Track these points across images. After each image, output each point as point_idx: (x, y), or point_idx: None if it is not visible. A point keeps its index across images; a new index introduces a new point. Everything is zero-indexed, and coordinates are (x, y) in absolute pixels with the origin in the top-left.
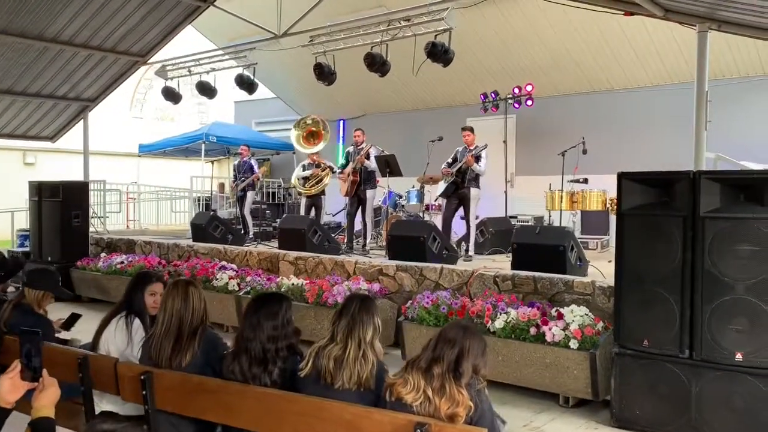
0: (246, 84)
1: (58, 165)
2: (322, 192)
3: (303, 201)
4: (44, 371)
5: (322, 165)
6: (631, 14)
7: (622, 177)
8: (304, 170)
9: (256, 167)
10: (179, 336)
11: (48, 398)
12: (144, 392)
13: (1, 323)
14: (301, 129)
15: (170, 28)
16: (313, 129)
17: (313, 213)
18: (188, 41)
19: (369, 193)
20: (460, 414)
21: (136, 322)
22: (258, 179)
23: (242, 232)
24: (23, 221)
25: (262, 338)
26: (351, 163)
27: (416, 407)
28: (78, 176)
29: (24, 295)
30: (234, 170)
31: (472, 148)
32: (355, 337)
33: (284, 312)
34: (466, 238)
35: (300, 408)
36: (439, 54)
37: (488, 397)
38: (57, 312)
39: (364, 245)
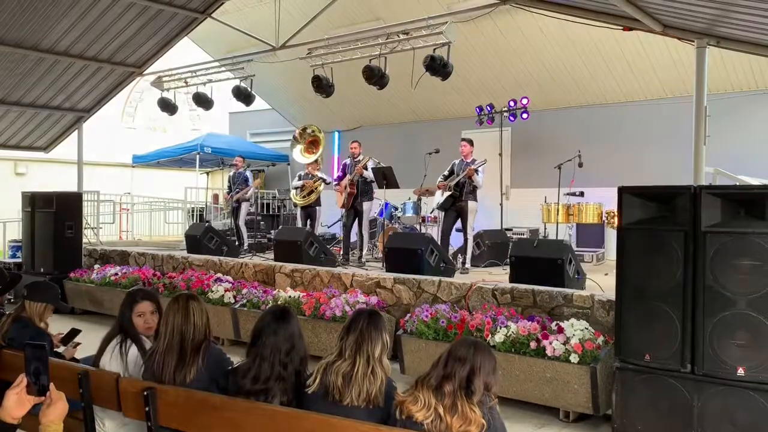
0: (243, 96)
1: (49, 175)
2: (318, 203)
3: (299, 212)
4: (51, 385)
5: (315, 176)
6: (630, 29)
7: (623, 191)
8: (299, 180)
9: (251, 179)
10: (182, 352)
11: (56, 413)
12: (147, 408)
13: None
14: (302, 142)
15: (166, 40)
16: (311, 139)
17: (309, 225)
18: (185, 53)
19: (366, 205)
20: None
21: (133, 349)
22: (252, 190)
23: (237, 243)
24: (15, 232)
25: (280, 351)
26: (348, 175)
27: (427, 425)
28: (69, 186)
29: (24, 309)
30: (229, 181)
31: (469, 161)
32: (363, 353)
33: (298, 326)
34: (462, 250)
35: (308, 425)
36: (437, 68)
37: (500, 414)
38: (52, 324)
39: (360, 257)
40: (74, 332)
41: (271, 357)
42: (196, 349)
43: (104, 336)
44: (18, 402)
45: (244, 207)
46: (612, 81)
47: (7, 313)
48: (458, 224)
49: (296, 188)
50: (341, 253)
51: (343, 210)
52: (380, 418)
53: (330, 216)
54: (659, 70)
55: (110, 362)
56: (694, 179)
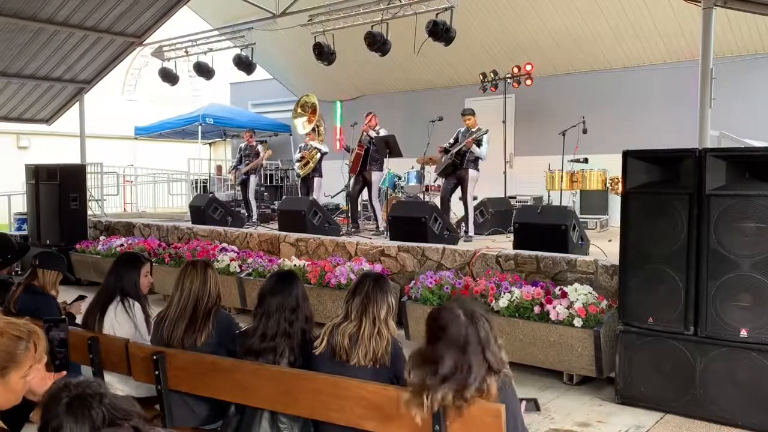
0: (245, 64)
1: (52, 148)
2: (319, 174)
3: (299, 183)
4: None
5: (310, 147)
6: None
7: (628, 155)
8: (299, 152)
9: (262, 151)
10: (194, 317)
11: None
12: (157, 372)
13: (10, 304)
14: (306, 112)
15: (166, 9)
16: (311, 109)
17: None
18: (184, 23)
19: (375, 175)
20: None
21: (137, 306)
22: (261, 165)
23: (247, 215)
24: (20, 205)
25: (285, 308)
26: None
27: None
28: (72, 159)
29: (35, 277)
30: (239, 153)
31: (474, 130)
32: (369, 315)
33: (302, 288)
34: (465, 218)
35: (316, 386)
36: (440, 33)
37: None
38: (60, 294)
39: (377, 227)
40: (81, 299)
41: (277, 314)
42: (207, 314)
43: (93, 303)
44: (40, 379)
45: (253, 180)
46: (616, 46)
47: (17, 282)
48: (459, 192)
49: (297, 161)
50: (348, 223)
51: (352, 177)
52: (387, 378)
53: (330, 188)
54: (664, 35)
55: (117, 322)
56: (699, 142)
